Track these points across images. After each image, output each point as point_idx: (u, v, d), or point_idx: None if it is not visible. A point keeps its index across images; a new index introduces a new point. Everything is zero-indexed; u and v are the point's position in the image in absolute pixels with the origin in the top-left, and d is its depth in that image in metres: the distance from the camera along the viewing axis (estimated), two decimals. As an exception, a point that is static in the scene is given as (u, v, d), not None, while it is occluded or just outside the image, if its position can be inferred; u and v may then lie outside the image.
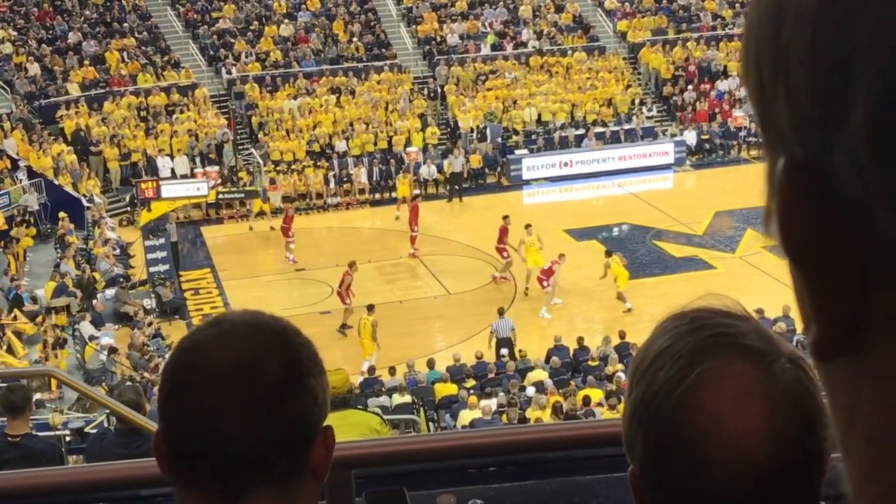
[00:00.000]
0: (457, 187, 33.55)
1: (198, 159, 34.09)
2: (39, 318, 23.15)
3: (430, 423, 17.39)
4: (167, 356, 1.59)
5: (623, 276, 24.60)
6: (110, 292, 25.05)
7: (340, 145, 35.22)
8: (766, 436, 1.24)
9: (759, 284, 23.79)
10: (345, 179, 33.90)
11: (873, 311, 0.60)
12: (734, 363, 1.26)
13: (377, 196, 33.88)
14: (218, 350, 1.46)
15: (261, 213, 31.61)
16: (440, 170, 34.14)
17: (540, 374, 19.55)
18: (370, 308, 22.35)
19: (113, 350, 21.64)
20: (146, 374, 20.18)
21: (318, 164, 34.18)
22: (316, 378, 1.50)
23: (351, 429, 6.26)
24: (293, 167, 33.84)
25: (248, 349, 1.46)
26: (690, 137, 36.63)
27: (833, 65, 0.57)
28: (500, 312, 22.46)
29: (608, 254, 25.22)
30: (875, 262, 0.59)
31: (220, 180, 31.89)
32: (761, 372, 1.26)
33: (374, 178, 34.19)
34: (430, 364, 20.43)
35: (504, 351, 21.32)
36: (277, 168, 33.60)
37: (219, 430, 1.42)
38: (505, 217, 26.62)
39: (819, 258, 0.62)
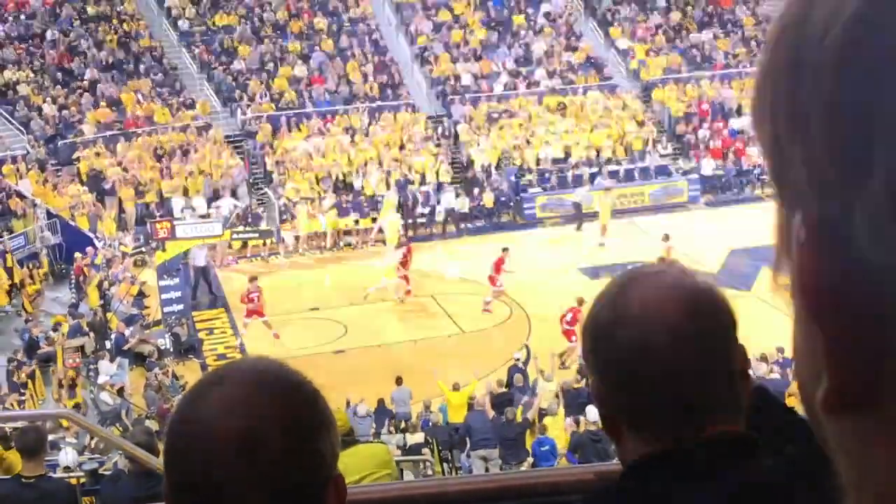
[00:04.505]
0: (465, 226, 34.01)
1: (212, 200, 34.16)
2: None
3: (444, 464, 17.32)
4: (173, 411, 1.54)
5: None
6: (129, 331, 24.92)
7: (356, 183, 35.22)
8: (689, 315, 1.41)
9: (777, 323, 23.60)
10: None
11: (887, 373, 0.59)
12: (666, 269, 1.54)
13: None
14: (217, 420, 1.42)
15: (275, 253, 31.57)
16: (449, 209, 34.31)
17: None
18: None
19: (121, 391, 21.80)
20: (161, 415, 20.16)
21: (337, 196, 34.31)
22: (322, 434, 1.47)
23: (364, 461, 6.34)
24: (311, 195, 33.83)
25: (247, 417, 1.42)
26: (707, 167, 36.82)
27: (854, 126, 0.56)
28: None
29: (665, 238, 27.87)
30: (893, 325, 0.58)
31: (233, 219, 31.93)
32: (690, 277, 1.48)
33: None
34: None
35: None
36: (295, 204, 33.53)
37: (222, 499, 1.40)
38: (504, 249, 27.17)
39: (837, 315, 0.60)
